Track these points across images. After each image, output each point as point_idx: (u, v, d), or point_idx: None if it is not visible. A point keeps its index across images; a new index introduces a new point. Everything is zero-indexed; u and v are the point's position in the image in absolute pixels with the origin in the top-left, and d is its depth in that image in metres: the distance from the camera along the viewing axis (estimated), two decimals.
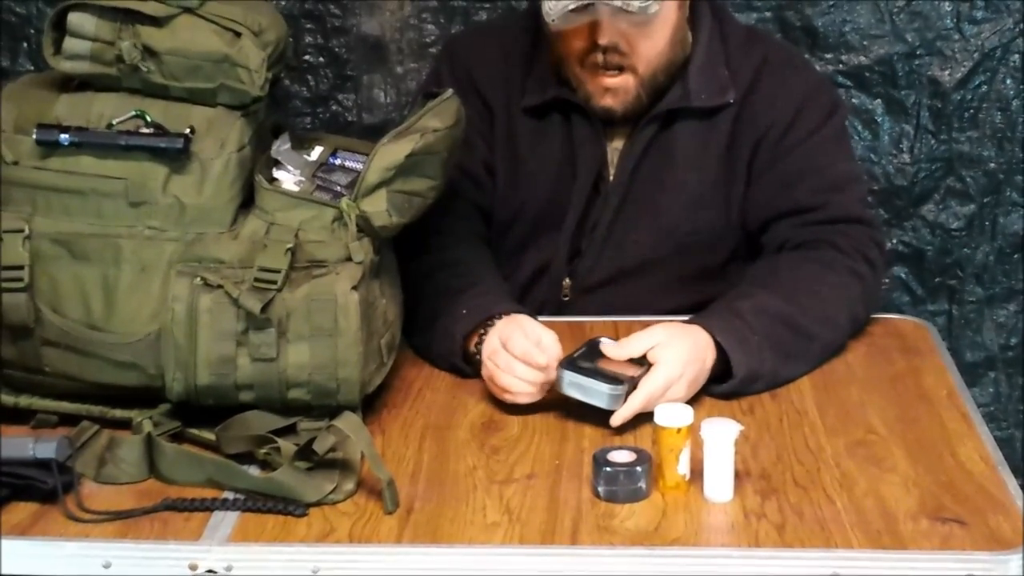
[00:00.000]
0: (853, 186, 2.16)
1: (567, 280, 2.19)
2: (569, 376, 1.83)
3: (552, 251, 2.19)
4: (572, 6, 1.97)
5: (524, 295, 2.20)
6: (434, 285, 2.03)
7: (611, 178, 2.16)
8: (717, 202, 2.16)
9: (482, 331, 1.93)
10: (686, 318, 1.96)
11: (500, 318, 1.93)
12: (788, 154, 2.13)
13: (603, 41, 2.02)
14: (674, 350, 1.85)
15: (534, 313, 1.99)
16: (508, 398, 1.87)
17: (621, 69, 2.05)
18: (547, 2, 1.98)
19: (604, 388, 1.81)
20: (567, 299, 2.20)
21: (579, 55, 2.06)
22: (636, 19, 2.00)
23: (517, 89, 2.18)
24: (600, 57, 2.04)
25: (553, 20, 2.00)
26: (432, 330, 2.00)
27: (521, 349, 1.85)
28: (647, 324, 1.93)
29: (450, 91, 1.92)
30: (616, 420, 1.80)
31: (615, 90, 2.07)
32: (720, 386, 1.90)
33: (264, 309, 1.71)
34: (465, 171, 2.16)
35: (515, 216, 2.20)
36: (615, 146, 2.16)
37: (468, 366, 1.96)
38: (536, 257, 2.20)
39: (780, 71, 2.16)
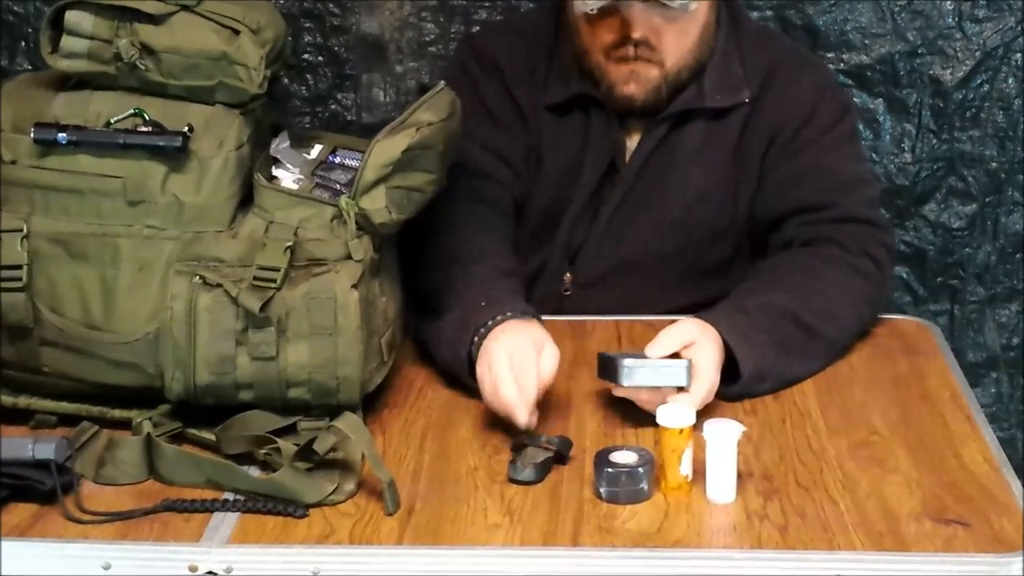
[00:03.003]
0: (862, 187, 2.15)
1: (568, 274, 2.19)
2: (635, 364, 1.78)
3: (554, 251, 2.18)
4: None
5: (528, 289, 2.19)
6: (459, 274, 2.00)
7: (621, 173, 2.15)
8: (723, 200, 2.16)
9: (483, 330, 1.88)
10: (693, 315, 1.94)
11: (506, 319, 1.86)
12: (799, 153, 2.13)
13: (636, 35, 2.02)
14: (708, 353, 1.83)
15: (535, 308, 1.96)
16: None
17: (648, 61, 2.06)
18: None
19: (678, 363, 1.78)
20: (568, 293, 2.20)
21: (607, 48, 2.06)
22: (671, 14, 2.01)
23: (539, 87, 2.18)
24: (631, 50, 2.04)
25: (592, 9, 2.00)
26: (442, 323, 1.95)
27: (525, 374, 1.78)
28: (648, 324, 1.92)
29: (442, 83, 1.91)
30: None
31: (639, 76, 2.07)
32: (728, 388, 1.89)
33: (263, 308, 1.71)
34: (503, 156, 2.16)
35: (530, 210, 2.20)
36: (630, 145, 2.16)
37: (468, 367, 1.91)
38: (544, 251, 2.20)
39: (794, 71, 2.16)
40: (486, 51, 2.22)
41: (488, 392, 1.81)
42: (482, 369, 1.82)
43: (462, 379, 1.91)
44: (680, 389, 1.79)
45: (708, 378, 1.81)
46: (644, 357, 1.81)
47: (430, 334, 1.98)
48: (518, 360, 1.79)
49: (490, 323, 1.86)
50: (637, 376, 1.79)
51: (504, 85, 2.18)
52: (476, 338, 1.87)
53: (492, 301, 1.91)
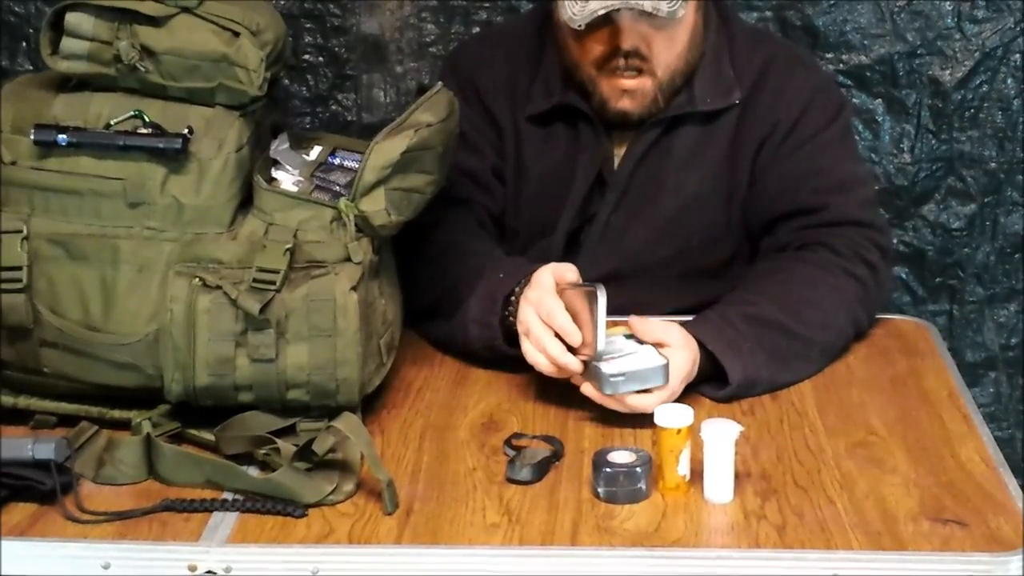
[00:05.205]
0: (857, 188, 2.15)
1: None
2: (617, 375, 1.79)
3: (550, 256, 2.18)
4: (601, 11, 1.96)
5: None
6: (465, 269, 2.02)
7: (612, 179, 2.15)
8: (718, 203, 2.16)
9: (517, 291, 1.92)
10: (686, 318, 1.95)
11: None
12: (791, 154, 2.12)
13: (627, 45, 2.01)
14: (680, 360, 1.83)
15: None
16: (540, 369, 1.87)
17: (640, 72, 2.05)
18: (571, 7, 1.97)
19: (655, 367, 1.79)
20: None
21: (598, 60, 2.05)
22: (659, 23, 2.00)
23: (522, 97, 2.17)
24: (621, 61, 2.03)
25: (580, 26, 1.98)
26: (466, 306, 1.97)
27: (559, 322, 1.82)
28: None
29: (440, 84, 1.92)
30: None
31: (633, 92, 2.06)
32: (719, 392, 1.89)
33: (263, 310, 1.71)
34: (474, 177, 2.16)
35: (518, 222, 2.20)
36: (618, 151, 2.15)
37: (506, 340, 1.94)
38: (539, 260, 2.19)
39: (786, 71, 2.15)
40: (464, 66, 2.21)
41: (532, 354, 1.85)
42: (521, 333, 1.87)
43: (496, 351, 1.94)
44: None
45: (670, 387, 1.82)
46: (622, 355, 1.82)
47: (451, 326, 1.99)
48: (546, 310, 1.83)
49: (517, 289, 1.91)
50: (619, 386, 1.80)
51: (480, 101, 2.18)
52: (509, 307, 1.91)
53: (509, 272, 1.95)
